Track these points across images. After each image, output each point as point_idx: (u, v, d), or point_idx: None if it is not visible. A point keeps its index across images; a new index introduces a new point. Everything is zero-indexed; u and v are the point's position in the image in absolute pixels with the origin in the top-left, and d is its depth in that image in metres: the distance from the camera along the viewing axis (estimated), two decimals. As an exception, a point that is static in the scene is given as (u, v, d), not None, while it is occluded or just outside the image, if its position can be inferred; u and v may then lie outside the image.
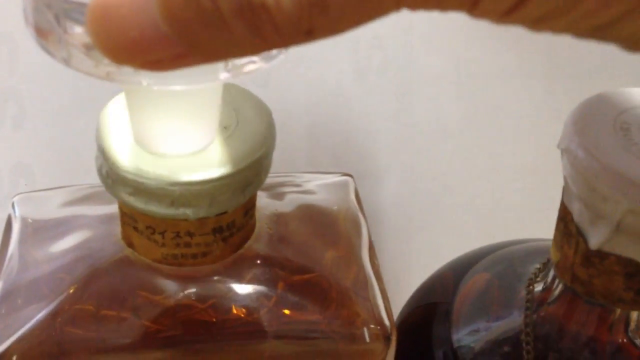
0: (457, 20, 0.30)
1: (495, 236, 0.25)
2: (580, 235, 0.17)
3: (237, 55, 0.11)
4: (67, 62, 0.14)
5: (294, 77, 0.29)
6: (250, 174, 0.16)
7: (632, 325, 0.19)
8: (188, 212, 0.16)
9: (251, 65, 0.14)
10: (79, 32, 0.13)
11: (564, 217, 0.17)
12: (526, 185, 0.31)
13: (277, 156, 0.30)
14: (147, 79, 0.13)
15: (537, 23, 0.11)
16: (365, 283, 0.20)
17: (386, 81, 0.29)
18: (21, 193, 0.21)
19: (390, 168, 0.30)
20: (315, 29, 0.10)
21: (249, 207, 0.18)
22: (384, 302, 0.20)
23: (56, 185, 0.22)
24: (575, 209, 0.17)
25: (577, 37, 0.11)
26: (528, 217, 0.30)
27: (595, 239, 0.16)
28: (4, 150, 0.28)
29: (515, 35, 0.29)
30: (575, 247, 0.17)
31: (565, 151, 0.16)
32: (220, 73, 0.13)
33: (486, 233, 0.30)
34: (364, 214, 0.22)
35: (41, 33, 0.13)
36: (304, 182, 0.22)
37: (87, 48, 0.13)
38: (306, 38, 0.10)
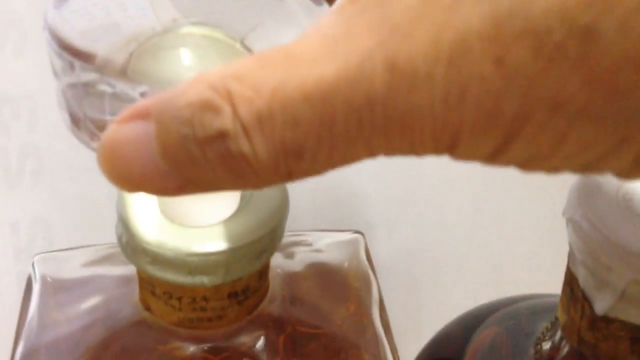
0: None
1: (505, 287, 0.25)
2: (586, 300, 0.17)
3: (229, 188, 0.11)
4: (86, 143, 0.14)
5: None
6: (265, 242, 0.17)
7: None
8: (205, 280, 0.17)
9: None
10: (96, 116, 0.14)
11: (570, 281, 0.18)
12: (535, 236, 0.32)
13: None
14: None
15: (525, 165, 0.11)
16: (375, 341, 0.21)
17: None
18: (41, 253, 0.22)
19: (399, 221, 0.31)
20: (294, 172, 0.11)
21: (263, 272, 0.19)
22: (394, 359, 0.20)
23: (73, 240, 0.22)
24: (581, 274, 0.17)
25: (573, 173, 0.12)
26: (537, 268, 0.31)
27: (601, 305, 0.17)
28: (23, 205, 0.28)
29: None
30: (581, 311, 0.18)
31: (569, 221, 0.17)
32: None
33: (496, 284, 0.30)
34: (374, 271, 0.22)
35: (74, 121, 0.14)
36: (314, 240, 0.22)
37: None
38: (288, 178, 0.11)
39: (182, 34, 0.14)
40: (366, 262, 0.22)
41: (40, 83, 0.27)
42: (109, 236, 0.22)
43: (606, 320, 0.17)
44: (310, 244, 0.22)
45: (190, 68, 0.14)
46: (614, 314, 0.17)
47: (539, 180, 0.31)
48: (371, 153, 0.11)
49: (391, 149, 0.11)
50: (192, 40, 0.14)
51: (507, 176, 0.31)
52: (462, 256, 0.31)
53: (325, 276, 0.22)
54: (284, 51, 0.11)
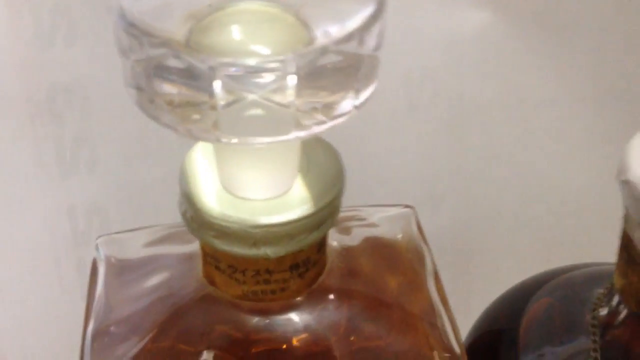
0: (505, 49, 0.30)
1: (553, 259, 0.25)
2: (643, 261, 0.18)
3: None
4: (156, 119, 0.15)
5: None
6: (324, 213, 0.18)
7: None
8: (268, 251, 0.17)
9: (324, 125, 0.15)
10: (165, 91, 0.14)
11: (627, 244, 0.18)
12: (580, 207, 0.32)
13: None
14: (224, 137, 0.14)
15: None
16: (432, 310, 0.21)
17: (438, 111, 0.30)
18: (103, 235, 0.23)
19: (446, 195, 0.31)
20: None
21: (322, 244, 0.19)
22: (452, 329, 0.21)
23: (129, 225, 0.23)
24: (638, 236, 0.17)
25: None
26: (585, 239, 0.31)
27: (659, 266, 0.17)
28: (79, 193, 0.29)
29: (562, 61, 0.30)
30: (639, 273, 0.18)
31: (624, 183, 0.17)
32: (292, 132, 0.14)
33: (544, 256, 0.30)
34: (427, 243, 0.23)
35: (142, 96, 0.14)
36: (367, 215, 0.23)
37: (172, 106, 0.14)
38: None
39: (238, 9, 0.15)
40: (419, 235, 0.23)
41: (92, 72, 0.28)
42: (164, 220, 0.23)
43: (665, 280, 0.17)
44: (363, 219, 0.23)
45: (247, 43, 0.15)
46: (674, 274, 0.17)
47: (583, 151, 0.31)
48: None
49: None
50: (247, 15, 0.15)
51: (551, 148, 0.31)
52: (510, 228, 0.32)
53: (381, 249, 0.22)
54: None
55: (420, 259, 0.22)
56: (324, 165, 0.18)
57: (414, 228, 0.23)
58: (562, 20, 0.29)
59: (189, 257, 0.20)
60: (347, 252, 0.21)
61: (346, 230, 0.22)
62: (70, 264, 0.30)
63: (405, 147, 0.30)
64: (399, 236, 0.23)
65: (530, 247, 0.32)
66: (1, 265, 0.29)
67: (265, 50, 0.14)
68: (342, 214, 0.23)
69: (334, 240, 0.21)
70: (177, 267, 0.21)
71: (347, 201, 0.28)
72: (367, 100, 0.15)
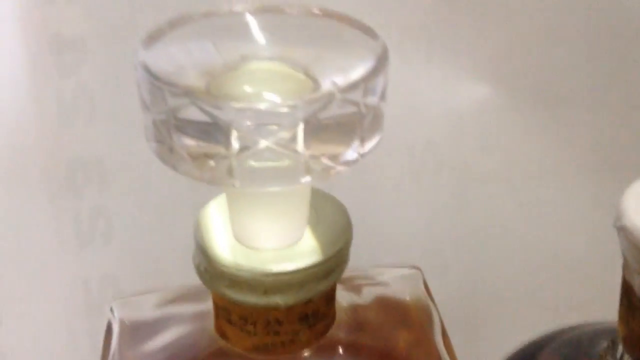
0: (505, 121, 0.32)
1: (565, 319, 0.26)
2: (643, 307, 0.18)
3: None
4: (175, 168, 0.16)
5: (357, 182, 0.31)
6: (332, 263, 0.18)
7: None
8: (279, 299, 0.18)
9: (331, 171, 0.16)
10: (185, 143, 0.15)
11: (627, 292, 0.19)
12: (584, 274, 0.32)
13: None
14: (238, 183, 0.15)
15: None
16: None
17: (442, 182, 0.31)
18: (118, 299, 0.23)
19: (454, 263, 0.32)
20: None
21: (331, 296, 0.20)
22: None
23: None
24: (637, 282, 0.18)
25: None
26: (589, 305, 0.31)
27: (659, 310, 0.17)
28: (94, 263, 0.30)
29: (561, 133, 0.31)
30: (640, 320, 0.18)
31: (621, 229, 0.18)
32: (301, 177, 0.15)
33: (548, 322, 0.30)
34: (434, 303, 0.23)
35: (159, 146, 0.15)
36: (376, 275, 0.24)
37: (192, 157, 0.15)
38: None
39: (251, 68, 0.16)
40: (426, 294, 0.23)
41: (110, 148, 0.29)
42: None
43: (666, 325, 0.18)
44: (372, 278, 0.23)
45: (260, 96, 0.16)
46: (673, 317, 0.17)
47: (586, 221, 0.32)
48: None
49: None
50: (260, 73, 0.16)
51: (555, 218, 0.32)
52: (516, 296, 0.32)
53: (390, 307, 0.23)
54: None
55: (429, 317, 0.23)
56: (332, 218, 0.19)
57: (422, 287, 0.23)
58: (561, 93, 0.31)
59: (200, 315, 0.21)
60: (356, 308, 0.22)
61: (356, 289, 0.23)
62: (83, 335, 0.30)
63: (411, 216, 0.31)
64: (407, 295, 0.23)
65: (536, 313, 0.32)
66: (17, 336, 0.30)
67: (277, 99, 0.15)
68: (351, 273, 0.23)
69: (343, 297, 0.22)
70: (189, 325, 0.21)
71: (354, 262, 0.28)
72: (372, 149, 0.16)
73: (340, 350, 0.20)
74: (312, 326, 0.19)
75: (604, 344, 0.22)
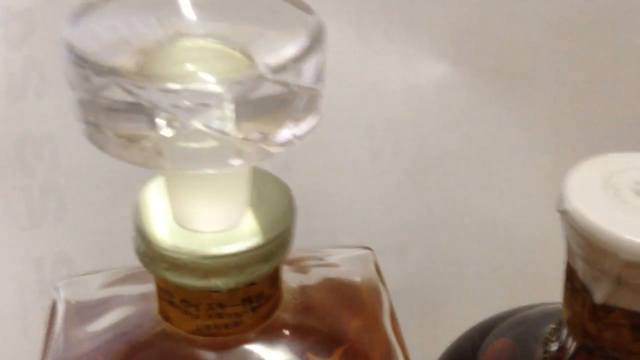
0: (464, 99, 0.31)
1: (518, 303, 0.26)
2: (586, 291, 0.18)
3: None
4: (104, 149, 0.15)
5: (315, 162, 0.31)
6: (274, 246, 0.18)
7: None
8: (219, 282, 0.18)
9: (264, 153, 0.15)
10: (112, 124, 0.15)
11: (570, 275, 0.19)
12: (543, 252, 0.32)
13: (301, 236, 0.32)
14: (167, 165, 0.15)
15: None
16: (389, 352, 0.21)
17: (401, 161, 0.31)
18: (64, 278, 0.23)
19: (411, 243, 0.31)
20: None
21: (275, 279, 0.19)
22: None
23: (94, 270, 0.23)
24: (579, 267, 0.18)
25: None
26: (546, 283, 0.31)
27: (599, 294, 0.17)
28: (46, 242, 0.29)
29: (520, 110, 0.31)
30: (582, 303, 0.18)
31: (563, 213, 0.17)
32: (232, 159, 0.15)
33: (507, 301, 0.31)
34: (384, 284, 0.23)
35: (87, 127, 0.15)
36: (326, 256, 0.23)
37: (118, 136, 0.15)
38: None
39: (185, 46, 0.16)
40: (377, 275, 0.23)
41: (61, 124, 0.29)
42: (126, 264, 0.23)
43: (606, 309, 0.18)
44: (322, 259, 0.23)
45: (192, 75, 0.15)
46: (613, 301, 0.17)
47: (543, 200, 0.32)
48: None
49: None
50: (193, 51, 0.16)
51: (512, 197, 0.32)
52: (474, 275, 0.32)
53: (338, 289, 0.22)
54: None
55: (379, 300, 0.23)
56: (275, 200, 0.18)
57: (373, 269, 0.23)
58: (520, 71, 0.31)
59: (145, 296, 0.21)
60: (303, 290, 0.21)
61: (304, 270, 0.23)
62: (35, 314, 0.30)
63: (369, 196, 0.31)
64: (358, 277, 0.23)
65: (495, 293, 0.32)
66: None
67: (210, 79, 0.15)
68: (300, 254, 0.23)
69: (292, 278, 0.22)
70: (134, 306, 0.21)
71: (310, 247, 0.28)
72: (309, 131, 0.16)
73: (287, 333, 0.20)
74: (256, 309, 0.19)
75: (552, 325, 0.22)
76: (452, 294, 0.32)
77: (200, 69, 0.15)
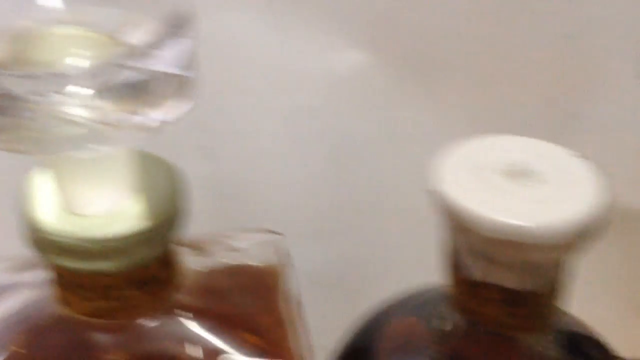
0: (383, 87, 0.32)
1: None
2: (462, 268, 0.19)
3: None
4: None
5: (236, 149, 0.31)
6: (161, 230, 0.18)
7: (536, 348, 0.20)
8: (104, 266, 0.18)
9: (127, 137, 0.16)
10: None
11: (446, 252, 0.19)
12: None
13: (220, 222, 0.32)
14: (33, 150, 0.15)
15: None
16: (286, 336, 0.22)
17: (320, 147, 0.32)
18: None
19: (331, 230, 0.32)
20: None
21: (169, 262, 0.20)
22: (306, 352, 0.21)
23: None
24: (451, 244, 0.19)
25: None
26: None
27: (473, 270, 0.18)
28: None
29: (437, 98, 0.32)
30: (460, 279, 0.19)
31: (432, 193, 0.18)
32: (94, 144, 0.15)
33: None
34: (291, 270, 0.24)
35: None
36: (231, 239, 0.24)
37: None
38: None
39: (54, 33, 0.16)
40: (284, 261, 0.24)
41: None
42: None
43: (481, 285, 0.19)
44: (226, 243, 0.24)
45: (57, 63, 0.16)
46: (486, 277, 0.18)
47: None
48: None
49: None
50: (61, 38, 0.16)
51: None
52: (399, 262, 0.33)
53: (241, 273, 0.23)
54: None
55: (283, 285, 0.23)
56: (162, 183, 0.19)
57: (280, 254, 0.24)
58: (438, 58, 0.31)
59: (45, 282, 0.21)
60: (206, 274, 0.22)
61: (208, 253, 0.23)
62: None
63: (290, 183, 0.32)
64: (261, 261, 0.24)
65: (418, 278, 0.33)
66: None
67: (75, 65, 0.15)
68: (203, 238, 0.24)
69: (195, 262, 0.22)
70: (33, 292, 0.21)
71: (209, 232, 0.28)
72: (179, 117, 0.16)
73: (186, 315, 0.21)
74: (151, 292, 0.20)
75: (444, 303, 0.22)
76: (373, 280, 0.33)
77: (65, 55, 0.15)
